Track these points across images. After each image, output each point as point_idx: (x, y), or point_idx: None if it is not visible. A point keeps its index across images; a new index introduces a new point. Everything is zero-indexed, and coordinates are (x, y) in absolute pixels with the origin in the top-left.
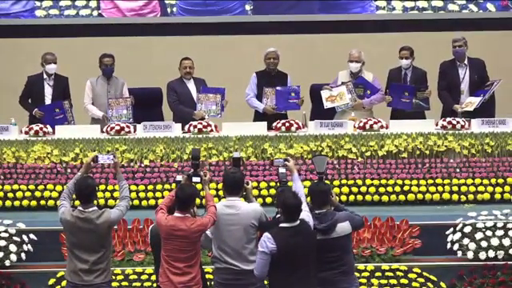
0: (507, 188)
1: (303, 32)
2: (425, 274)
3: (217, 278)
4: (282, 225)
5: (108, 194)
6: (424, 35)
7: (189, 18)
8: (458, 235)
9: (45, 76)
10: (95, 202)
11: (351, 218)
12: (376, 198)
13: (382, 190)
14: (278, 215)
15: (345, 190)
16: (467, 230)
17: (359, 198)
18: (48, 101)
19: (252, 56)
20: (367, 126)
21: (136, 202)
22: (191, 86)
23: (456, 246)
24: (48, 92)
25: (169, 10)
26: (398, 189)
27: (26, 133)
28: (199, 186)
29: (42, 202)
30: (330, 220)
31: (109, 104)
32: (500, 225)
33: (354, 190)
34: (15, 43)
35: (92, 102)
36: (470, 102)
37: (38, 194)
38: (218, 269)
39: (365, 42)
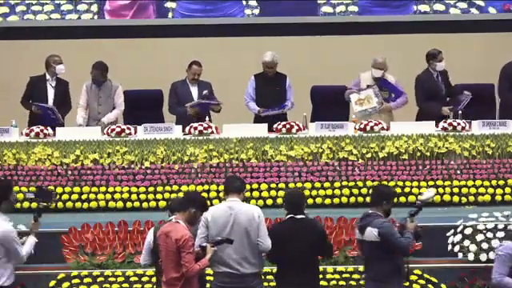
0: (508, 190)
1: (304, 34)
2: (425, 275)
3: (215, 281)
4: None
5: (109, 196)
6: (424, 37)
7: (190, 19)
8: (458, 237)
9: (47, 77)
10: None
11: (384, 230)
12: None
13: None
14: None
15: (345, 191)
16: (468, 231)
17: (360, 199)
18: (51, 102)
19: (253, 58)
20: (368, 128)
21: (137, 204)
22: (194, 89)
23: (457, 248)
24: (51, 93)
25: (170, 14)
26: (398, 190)
27: (27, 135)
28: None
29: None
30: (366, 221)
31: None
32: (501, 226)
33: (355, 191)
34: (16, 45)
35: (87, 104)
36: None
37: None
38: (217, 272)
39: (366, 44)
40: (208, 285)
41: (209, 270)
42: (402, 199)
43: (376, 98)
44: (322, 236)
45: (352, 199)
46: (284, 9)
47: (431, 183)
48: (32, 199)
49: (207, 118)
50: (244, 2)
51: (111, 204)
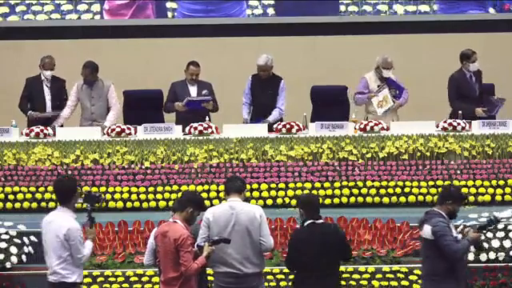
0: (508, 190)
1: (304, 34)
2: None
3: (217, 282)
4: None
5: (109, 196)
6: (425, 37)
7: (191, 19)
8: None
9: (42, 77)
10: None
11: (437, 228)
12: (377, 199)
13: (382, 191)
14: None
15: (345, 191)
16: None
17: (360, 199)
18: (48, 102)
19: (253, 58)
20: (368, 128)
21: (137, 204)
22: (193, 89)
23: None
24: (47, 93)
25: (170, 14)
26: (398, 190)
27: (27, 135)
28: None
29: (43, 204)
30: (425, 218)
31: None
32: (501, 226)
33: (355, 191)
34: (16, 45)
35: (76, 103)
36: None
37: (38, 196)
38: (219, 273)
39: (366, 44)
40: (209, 285)
41: (210, 270)
42: (402, 199)
43: (390, 97)
44: (343, 240)
45: (352, 199)
46: (304, 8)
47: (431, 183)
48: (82, 204)
49: (207, 118)
50: (245, 3)
51: (111, 204)
